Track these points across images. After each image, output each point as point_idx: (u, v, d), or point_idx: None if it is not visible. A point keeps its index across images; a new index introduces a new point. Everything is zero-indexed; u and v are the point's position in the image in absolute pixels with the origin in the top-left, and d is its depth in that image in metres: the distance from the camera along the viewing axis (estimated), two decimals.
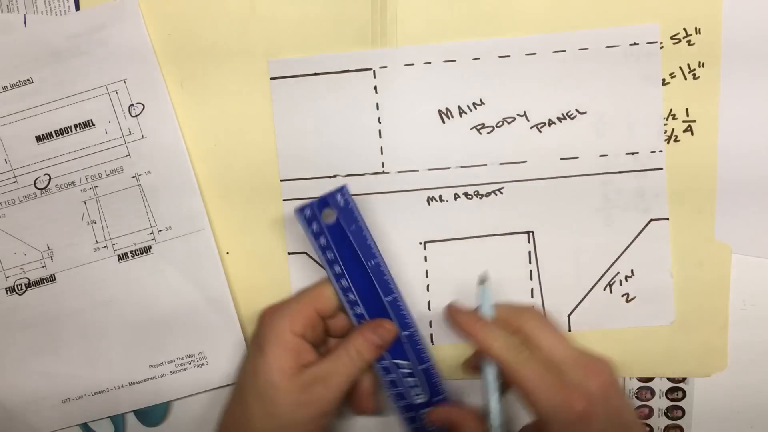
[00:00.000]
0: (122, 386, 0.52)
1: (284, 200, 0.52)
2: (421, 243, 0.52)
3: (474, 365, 0.50)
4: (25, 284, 0.52)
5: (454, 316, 0.48)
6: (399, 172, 0.52)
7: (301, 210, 0.48)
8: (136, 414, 0.53)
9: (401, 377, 0.49)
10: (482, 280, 0.49)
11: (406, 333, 0.48)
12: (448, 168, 0.52)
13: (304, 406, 0.45)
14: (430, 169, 0.52)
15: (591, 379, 0.42)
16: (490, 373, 0.46)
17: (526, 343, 0.44)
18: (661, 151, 0.51)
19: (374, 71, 0.51)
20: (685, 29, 0.51)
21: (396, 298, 0.48)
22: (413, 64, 0.51)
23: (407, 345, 0.49)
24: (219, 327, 0.52)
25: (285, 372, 0.45)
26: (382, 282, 0.48)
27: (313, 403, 0.46)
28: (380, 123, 0.52)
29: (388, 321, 0.48)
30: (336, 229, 0.48)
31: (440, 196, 0.52)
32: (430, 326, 0.53)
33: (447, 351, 0.53)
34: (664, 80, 0.51)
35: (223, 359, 0.52)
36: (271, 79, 0.51)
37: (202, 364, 0.52)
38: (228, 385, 0.53)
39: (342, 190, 0.48)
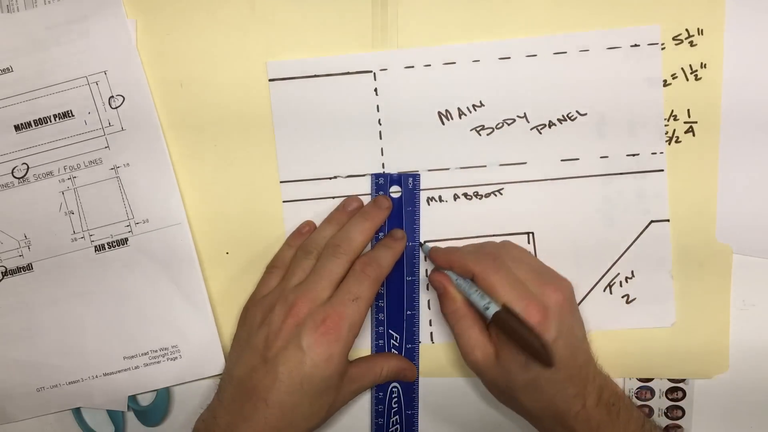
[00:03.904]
0: (96, 377, 0.53)
1: (284, 202, 0.52)
2: (421, 243, 0.52)
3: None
4: (2, 272, 0.53)
5: (434, 255, 0.50)
6: (399, 173, 0.52)
7: (376, 176, 0.52)
8: (136, 414, 0.53)
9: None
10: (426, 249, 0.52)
11: (409, 313, 0.53)
12: (448, 169, 0.52)
13: (334, 396, 0.48)
14: (429, 170, 0.52)
15: (549, 295, 0.46)
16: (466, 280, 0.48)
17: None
18: (662, 153, 0.51)
19: (374, 73, 0.51)
20: (687, 30, 0.50)
21: (415, 280, 0.53)
22: (413, 67, 0.51)
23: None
24: (193, 321, 0.53)
25: (342, 362, 0.47)
26: (411, 263, 0.52)
27: (340, 397, 0.48)
28: (380, 125, 0.52)
29: (413, 366, 0.53)
30: (395, 203, 0.52)
31: (440, 197, 0.52)
32: (430, 325, 0.53)
33: (446, 349, 0.53)
34: (665, 81, 0.51)
35: (197, 353, 0.53)
36: (270, 80, 0.51)
37: (176, 358, 0.53)
38: (200, 379, 0.53)
39: (415, 176, 0.52)
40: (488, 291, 0.46)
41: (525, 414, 0.48)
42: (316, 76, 0.51)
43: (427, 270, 0.53)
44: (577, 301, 0.52)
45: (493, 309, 0.45)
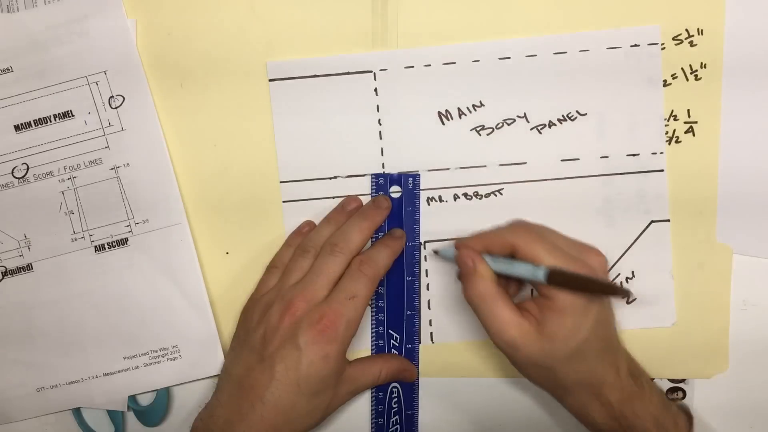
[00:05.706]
0: (96, 377, 0.53)
1: (284, 202, 0.52)
2: (421, 243, 0.52)
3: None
4: (2, 273, 0.53)
5: (464, 245, 0.47)
6: (399, 173, 0.52)
7: (376, 176, 0.52)
8: (136, 414, 0.53)
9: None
10: (436, 251, 0.51)
11: (409, 313, 0.53)
12: (448, 169, 0.52)
13: (331, 395, 0.48)
14: (429, 170, 0.52)
15: (592, 258, 0.45)
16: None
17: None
18: (662, 153, 0.51)
19: (374, 73, 0.51)
20: (687, 30, 0.50)
21: (415, 280, 0.52)
22: (413, 67, 0.51)
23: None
24: (193, 321, 0.53)
25: (339, 361, 0.47)
26: (411, 263, 0.52)
27: (337, 396, 0.48)
28: (380, 125, 0.52)
29: (413, 367, 0.53)
30: (395, 203, 0.52)
31: (440, 197, 0.52)
32: (430, 325, 0.53)
33: (446, 349, 0.53)
34: (665, 81, 0.51)
35: (197, 353, 0.53)
36: (270, 80, 0.51)
37: (176, 358, 0.53)
38: (200, 379, 0.53)
39: (415, 176, 0.52)
40: (533, 260, 0.44)
41: (558, 388, 0.47)
42: (316, 76, 0.51)
43: (426, 270, 0.53)
44: None
45: (543, 270, 0.43)
